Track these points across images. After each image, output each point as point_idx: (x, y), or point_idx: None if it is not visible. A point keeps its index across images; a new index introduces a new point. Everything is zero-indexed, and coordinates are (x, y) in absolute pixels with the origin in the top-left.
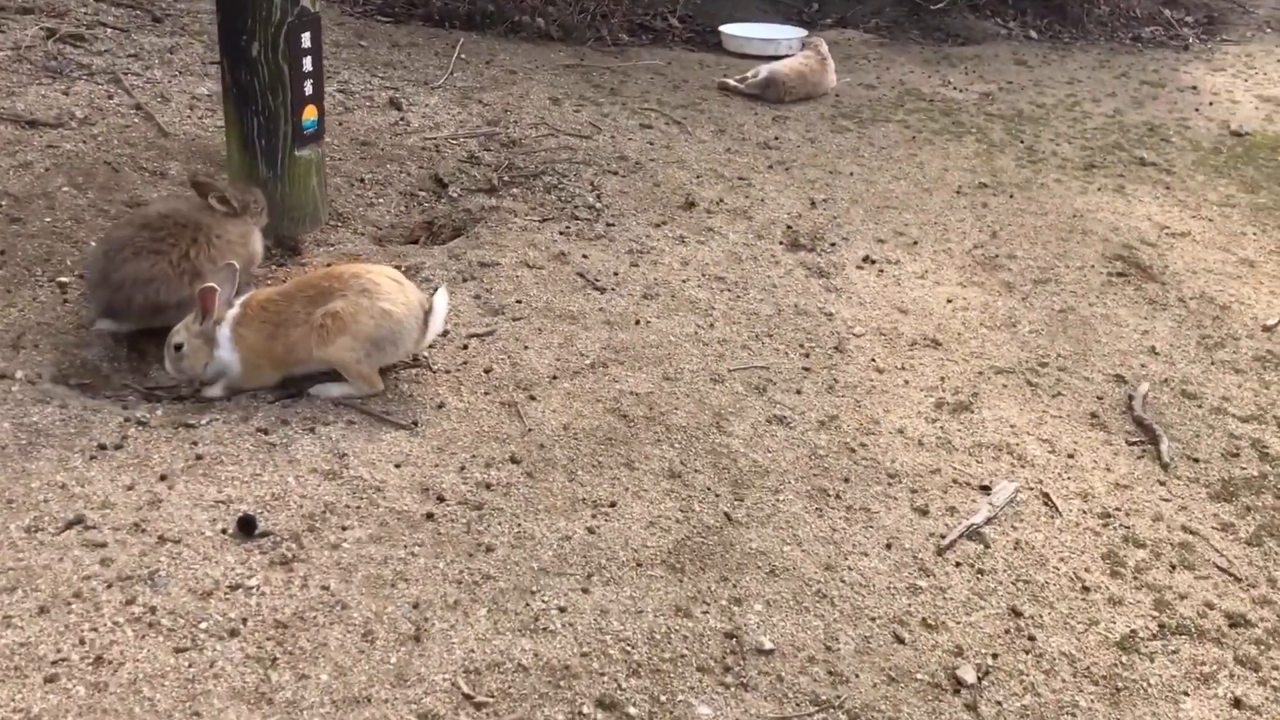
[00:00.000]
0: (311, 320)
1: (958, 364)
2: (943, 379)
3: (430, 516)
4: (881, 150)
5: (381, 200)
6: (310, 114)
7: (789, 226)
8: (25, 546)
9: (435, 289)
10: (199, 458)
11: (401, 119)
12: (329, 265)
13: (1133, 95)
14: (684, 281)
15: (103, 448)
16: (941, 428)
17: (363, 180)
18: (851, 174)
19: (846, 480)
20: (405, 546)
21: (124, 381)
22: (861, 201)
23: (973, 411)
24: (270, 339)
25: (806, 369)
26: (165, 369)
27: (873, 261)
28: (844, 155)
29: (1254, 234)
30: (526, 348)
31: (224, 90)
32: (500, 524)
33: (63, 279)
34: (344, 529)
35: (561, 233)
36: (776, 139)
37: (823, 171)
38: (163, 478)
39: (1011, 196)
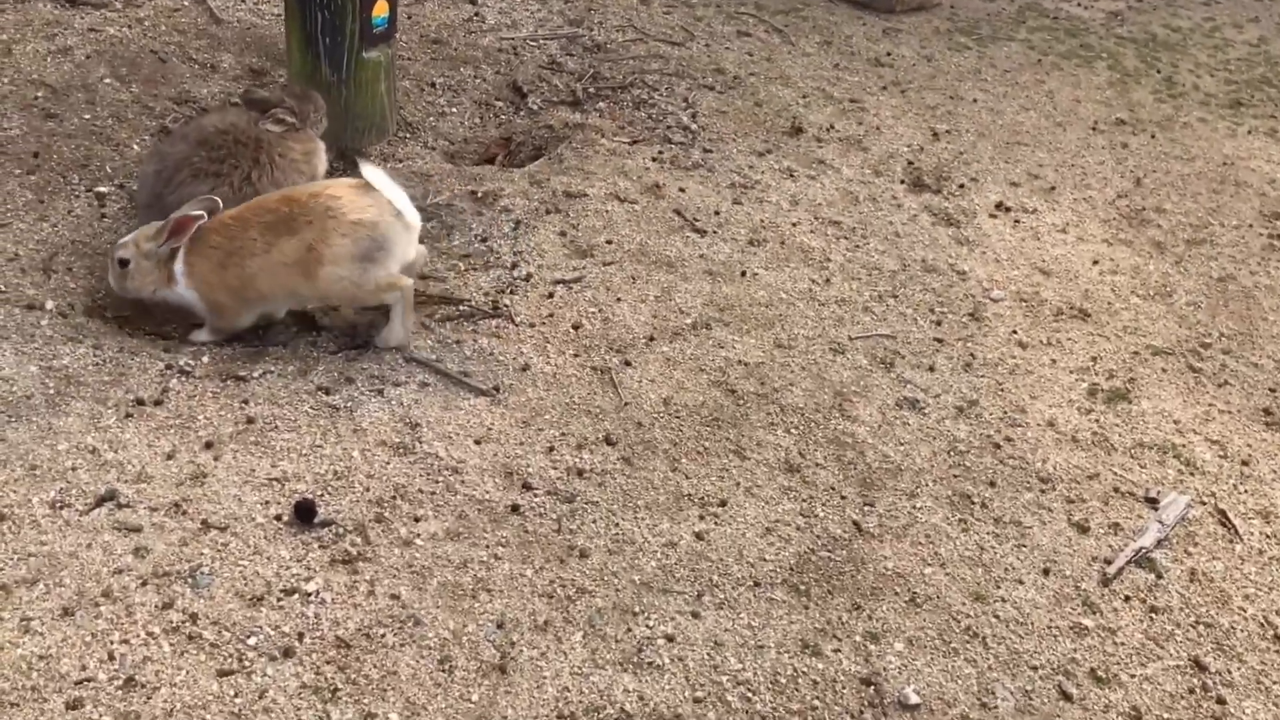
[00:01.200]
0: (274, 253)
1: (1110, 341)
2: (1094, 359)
3: (516, 509)
4: (1005, 74)
5: (454, 109)
6: (381, 9)
7: (910, 162)
8: (50, 527)
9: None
10: (250, 421)
11: (476, 14)
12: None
13: (1279, 22)
14: (794, 225)
15: (140, 403)
16: (1097, 421)
17: (433, 84)
18: (975, 101)
19: (992, 484)
20: (487, 546)
21: (166, 315)
22: (989, 135)
23: (1130, 401)
24: (221, 268)
25: (939, 340)
26: (109, 279)
27: (1007, 209)
28: (964, 78)
29: None
30: (619, 299)
31: None
32: (595, 522)
33: (101, 189)
34: (417, 520)
35: (654, 159)
36: (889, 55)
37: (943, 96)
38: (208, 445)
39: (1153, 137)
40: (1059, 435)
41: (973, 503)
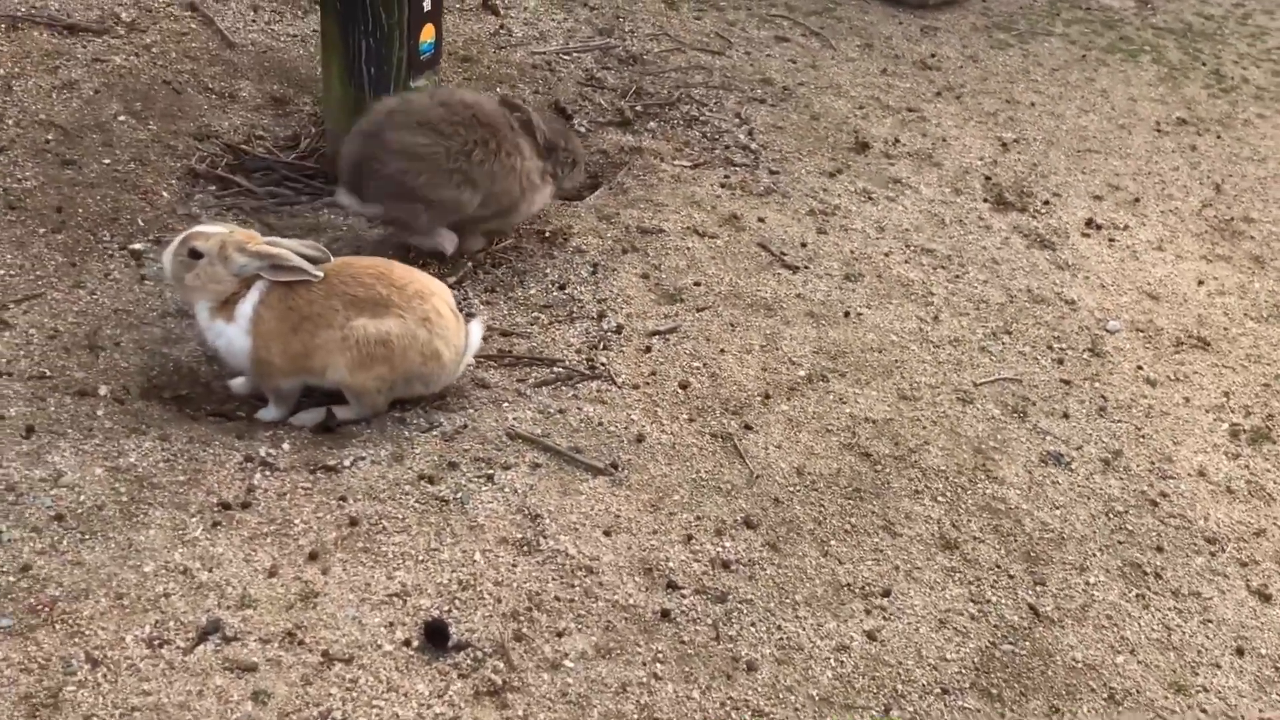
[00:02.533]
0: (350, 332)
1: (1236, 373)
2: (1227, 395)
3: (666, 615)
4: (1054, 73)
5: None
6: (428, 34)
7: (987, 177)
8: (151, 671)
9: (470, 317)
10: (353, 523)
11: (502, 27)
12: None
13: None
14: (886, 255)
15: (225, 506)
16: (1247, 466)
17: None
18: (1032, 105)
19: (1159, 549)
20: (644, 664)
21: (227, 391)
22: (1057, 142)
23: (1275, 441)
24: (292, 331)
25: (1065, 381)
26: (160, 265)
27: (1098, 226)
28: (1015, 79)
29: None
30: (722, 351)
31: (322, 4)
32: (754, 625)
33: (135, 245)
34: (560, 635)
35: (722, 184)
36: (934, 56)
37: (999, 101)
38: (313, 556)
39: (1219, 137)
40: (1213, 487)
41: (1145, 573)
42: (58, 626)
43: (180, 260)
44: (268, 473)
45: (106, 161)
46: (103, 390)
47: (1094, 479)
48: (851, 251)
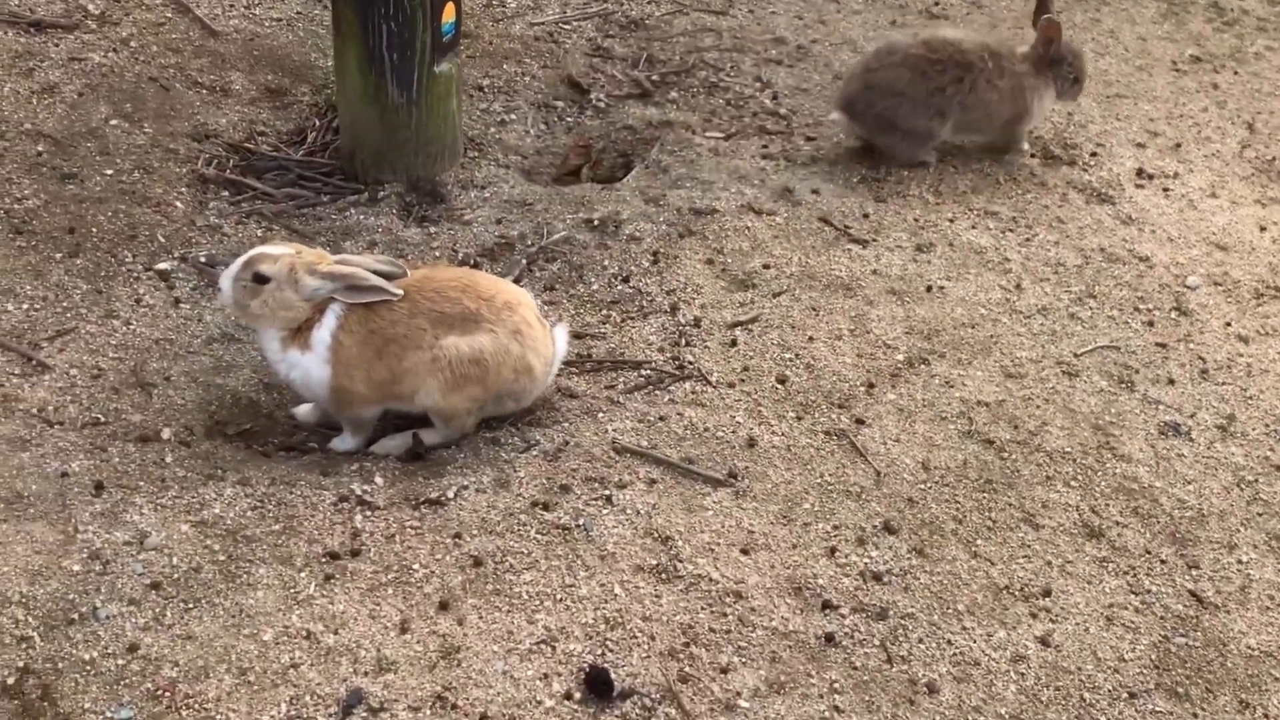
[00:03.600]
0: (440, 352)
1: None
2: None
3: (830, 639)
4: (1059, 15)
5: (513, 115)
6: (449, 13)
7: (1030, 130)
8: None
9: (554, 324)
10: (477, 563)
11: None
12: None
13: None
14: (951, 222)
15: (333, 556)
16: None
17: (481, 88)
18: None
19: None
20: (821, 695)
21: (293, 423)
22: (1085, 89)
23: None
24: (376, 356)
25: (1160, 345)
26: (218, 288)
27: (1149, 176)
28: (1023, 23)
29: None
30: (811, 339)
31: None
32: (923, 642)
33: (161, 265)
34: (725, 671)
35: (764, 156)
36: (938, 4)
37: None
38: (443, 606)
39: (1235, 73)
40: None
41: None
42: (184, 713)
43: (244, 286)
44: (368, 512)
45: (109, 173)
46: (165, 433)
47: (1215, 448)
48: (915, 220)
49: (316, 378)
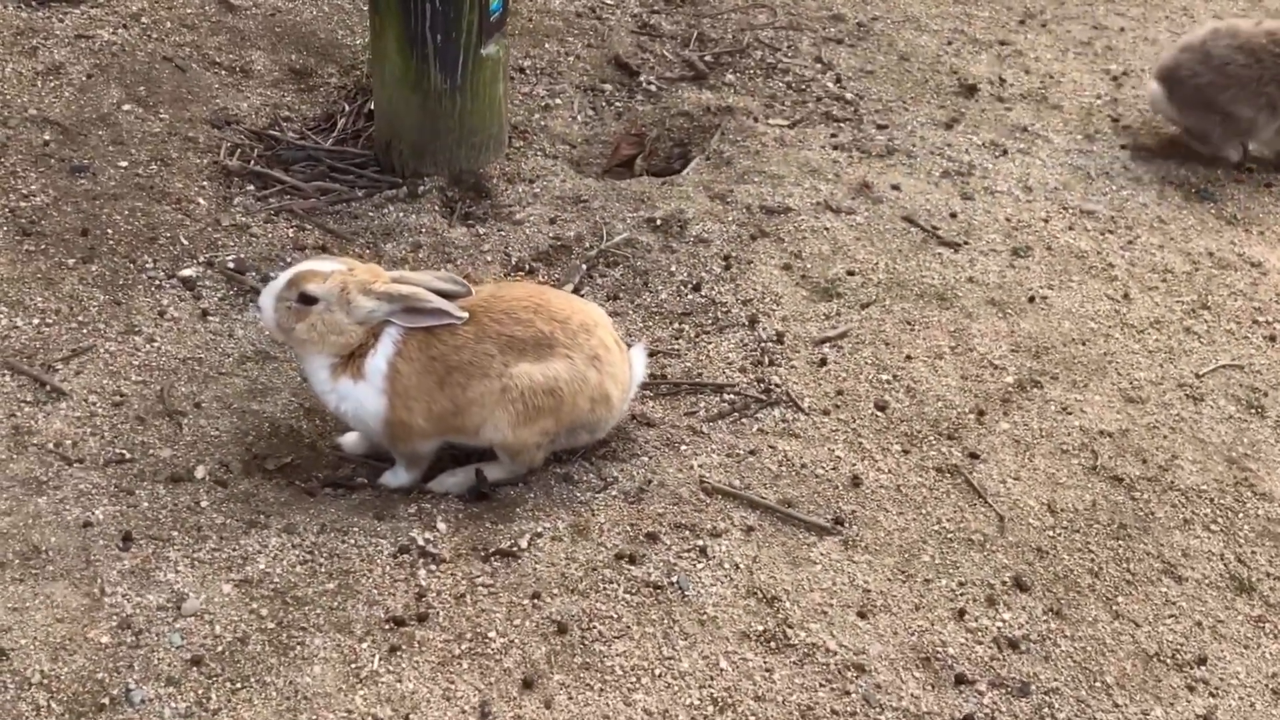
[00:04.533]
0: (511, 381)
1: None
2: None
3: (969, 719)
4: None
5: (558, 100)
6: None
7: (1113, 119)
8: None
9: (631, 345)
10: (561, 629)
11: None
12: (518, 281)
13: None
14: (1045, 222)
15: (398, 622)
16: None
17: (522, 70)
18: (1122, 30)
19: None
20: None
21: (338, 454)
22: None
23: None
24: (438, 386)
25: None
26: (258, 307)
27: (1248, 169)
28: (1092, 0)
29: None
30: (909, 358)
31: None
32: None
33: (185, 271)
34: None
35: (835, 146)
36: None
37: (1086, 27)
38: (527, 685)
39: None
40: None
41: None
42: None
43: (288, 306)
44: (433, 566)
45: (123, 165)
46: (200, 472)
47: None
48: (1008, 219)
49: (371, 410)
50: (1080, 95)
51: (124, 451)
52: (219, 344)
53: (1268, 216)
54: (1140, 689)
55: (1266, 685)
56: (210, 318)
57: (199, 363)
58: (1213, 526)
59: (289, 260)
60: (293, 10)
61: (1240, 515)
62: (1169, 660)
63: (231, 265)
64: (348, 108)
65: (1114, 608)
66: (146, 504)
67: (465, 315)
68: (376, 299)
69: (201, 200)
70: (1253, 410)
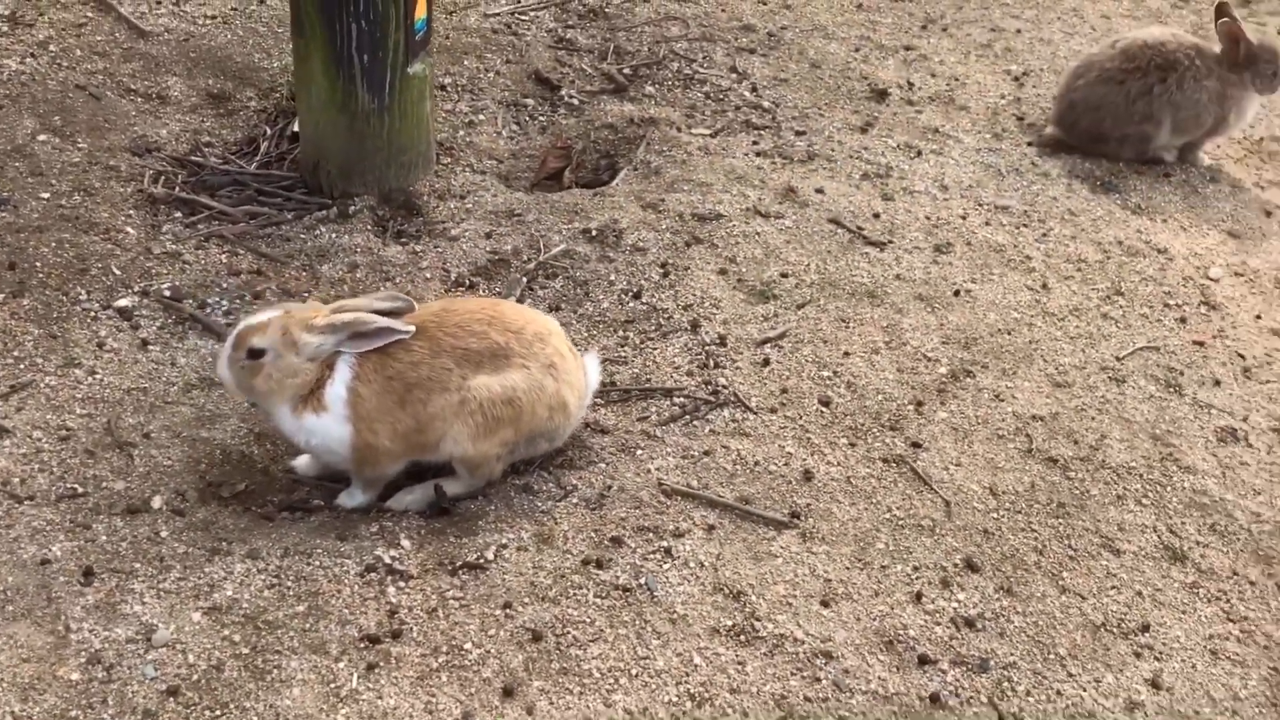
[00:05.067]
0: (469, 394)
1: None
2: None
3: (936, 700)
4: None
5: (481, 116)
6: (421, 10)
7: (1018, 117)
8: None
9: (584, 353)
10: (535, 637)
11: None
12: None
13: None
14: (963, 218)
15: (373, 640)
16: None
17: (444, 88)
18: (1019, 31)
19: None
20: None
21: (292, 477)
22: (1062, 71)
23: None
24: (399, 405)
25: (1198, 344)
26: (218, 377)
27: (1148, 161)
28: (988, 5)
29: None
30: (847, 354)
31: None
32: (1032, 695)
33: (121, 302)
34: None
35: (758, 153)
36: None
37: (984, 30)
38: (508, 693)
39: None
40: None
41: None
42: None
43: (242, 366)
44: (401, 583)
45: (45, 196)
46: (156, 502)
47: (1276, 452)
48: (927, 218)
49: (337, 437)
50: (985, 96)
51: (76, 486)
52: (162, 373)
53: (1169, 205)
54: (1091, 658)
55: (1205, 646)
56: (151, 347)
57: (144, 393)
58: (1144, 501)
59: (224, 286)
60: (206, 35)
61: (1168, 489)
62: (1115, 629)
63: (168, 293)
64: (269, 131)
65: (1060, 583)
66: (105, 537)
67: (412, 329)
68: (320, 333)
69: (130, 229)
70: (1171, 389)
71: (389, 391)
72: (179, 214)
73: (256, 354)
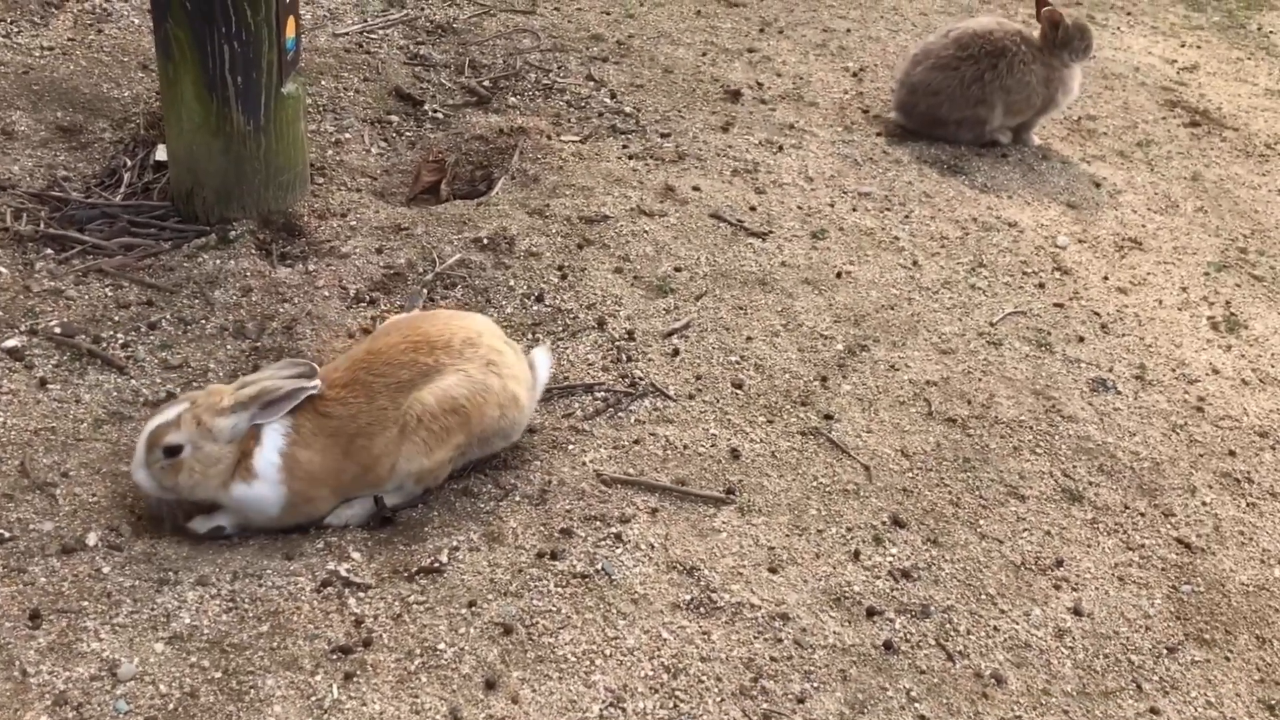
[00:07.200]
0: (404, 414)
1: (1177, 266)
2: (1184, 289)
3: (890, 647)
4: None
5: (348, 134)
6: (291, 29)
7: (864, 110)
8: None
9: (531, 347)
10: (506, 630)
11: None
12: (392, 314)
13: None
14: (831, 206)
15: (345, 651)
16: (1242, 355)
17: (306, 109)
18: (849, 30)
19: (1232, 454)
20: (903, 707)
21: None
22: (894, 65)
23: (1246, 326)
24: (344, 455)
25: (1058, 305)
26: (138, 485)
27: (994, 143)
28: (815, 7)
29: None
30: (749, 339)
31: (159, 8)
32: (972, 633)
33: (8, 343)
34: (802, 701)
35: (630, 156)
36: None
37: (817, 31)
38: (490, 685)
39: None
40: (1232, 381)
41: (1238, 480)
42: None
43: (161, 468)
44: (361, 594)
45: None
46: (91, 539)
47: (1141, 398)
48: (799, 207)
49: (271, 501)
50: (829, 92)
51: (2, 531)
52: (68, 411)
53: (1011, 183)
54: (1017, 595)
55: (1113, 574)
56: (50, 386)
57: (52, 432)
58: (1037, 450)
59: (115, 319)
60: (47, 66)
61: (1056, 437)
62: (1033, 567)
63: (59, 330)
64: (129, 161)
65: (978, 530)
66: (44, 579)
67: (318, 384)
68: (232, 413)
69: (2, 269)
70: (1042, 348)
71: (333, 448)
72: (50, 251)
73: (174, 451)
